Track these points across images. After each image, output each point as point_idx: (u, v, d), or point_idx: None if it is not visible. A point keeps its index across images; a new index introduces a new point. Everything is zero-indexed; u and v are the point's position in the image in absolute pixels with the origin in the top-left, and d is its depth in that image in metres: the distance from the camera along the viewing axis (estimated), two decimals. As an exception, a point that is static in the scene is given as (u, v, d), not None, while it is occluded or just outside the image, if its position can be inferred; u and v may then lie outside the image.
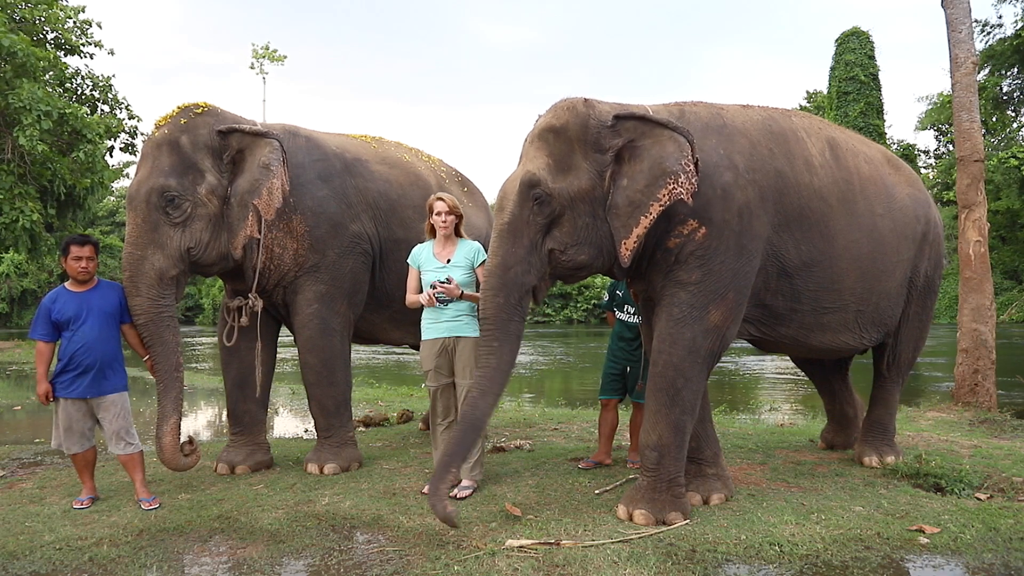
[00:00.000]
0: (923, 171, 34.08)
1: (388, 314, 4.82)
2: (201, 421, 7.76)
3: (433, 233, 3.98)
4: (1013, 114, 29.20)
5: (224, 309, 4.33)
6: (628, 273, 3.56)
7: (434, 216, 3.91)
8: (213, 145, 3.99)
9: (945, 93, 29.04)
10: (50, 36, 15.71)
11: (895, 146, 33.41)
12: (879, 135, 28.94)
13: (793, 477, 4.13)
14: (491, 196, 3.81)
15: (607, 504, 3.56)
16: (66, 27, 15.75)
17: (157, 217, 3.81)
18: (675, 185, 3.16)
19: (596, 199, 3.29)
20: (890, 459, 4.35)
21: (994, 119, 28.62)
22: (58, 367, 3.66)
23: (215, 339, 5.95)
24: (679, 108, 3.59)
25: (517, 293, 3.25)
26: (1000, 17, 31.60)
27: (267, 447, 4.55)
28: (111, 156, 16.38)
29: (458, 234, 3.99)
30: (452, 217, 3.92)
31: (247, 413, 4.45)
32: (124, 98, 16.47)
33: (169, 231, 3.84)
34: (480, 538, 3.10)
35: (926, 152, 36.59)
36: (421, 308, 3.93)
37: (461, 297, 3.80)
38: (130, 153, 16.67)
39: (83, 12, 16.08)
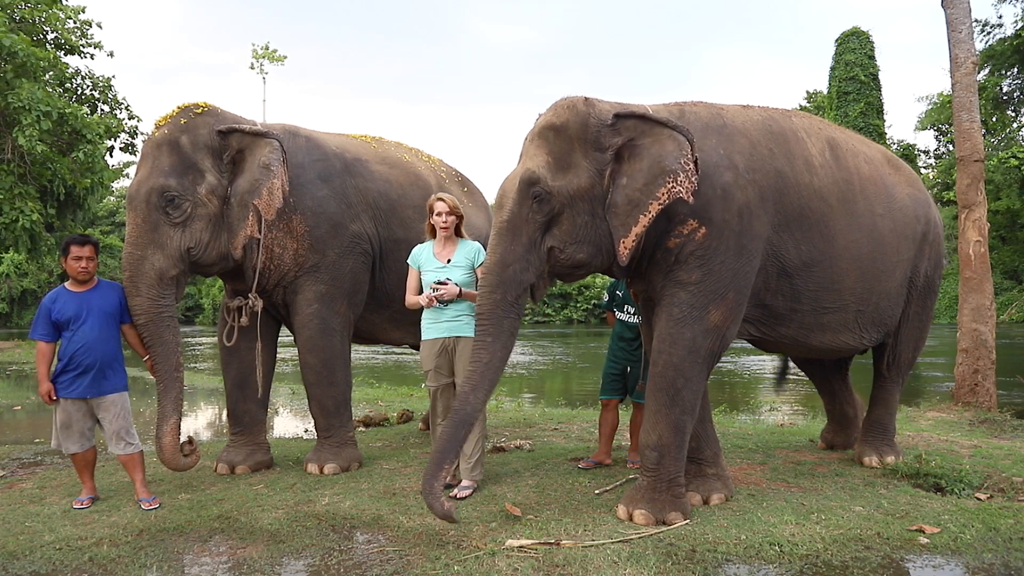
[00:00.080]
0: (923, 171, 34.07)
1: (388, 314, 4.82)
2: (201, 421, 7.76)
3: (433, 233, 3.98)
4: (1013, 114, 29.20)
5: (224, 309, 4.33)
6: (627, 272, 3.56)
7: (434, 216, 3.91)
8: (213, 145, 3.99)
9: (945, 93, 29.05)
10: (50, 36, 15.71)
11: (895, 146, 33.40)
12: (879, 135, 28.94)
13: (793, 477, 4.13)
14: (491, 196, 3.81)
15: (607, 504, 3.56)
16: (67, 28, 15.74)
17: (157, 217, 3.81)
18: (674, 184, 3.16)
19: (596, 197, 3.29)
20: (890, 459, 4.35)
21: (994, 119, 28.62)
22: (58, 367, 3.66)
23: (215, 339, 5.95)
24: (679, 108, 3.59)
25: (514, 291, 3.26)
26: (1000, 17, 31.62)
27: (267, 447, 4.55)
28: (111, 156, 16.39)
29: (459, 234, 3.99)
30: (452, 217, 3.92)
31: (247, 413, 4.45)
32: (124, 98, 16.49)
33: (169, 231, 3.83)
34: (480, 538, 3.10)
35: (926, 152, 36.60)
36: (421, 308, 3.93)
37: (460, 295, 3.80)
38: (130, 153, 16.68)
39: (83, 12, 16.08)
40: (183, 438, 3.83)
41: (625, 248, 3.24)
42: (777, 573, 2.82)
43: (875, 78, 29.82)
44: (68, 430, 3.69)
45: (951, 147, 32.10)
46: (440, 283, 3.82)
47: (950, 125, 27.20)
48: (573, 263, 3.34)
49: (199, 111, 4.04)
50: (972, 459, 4.54)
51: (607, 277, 4.30)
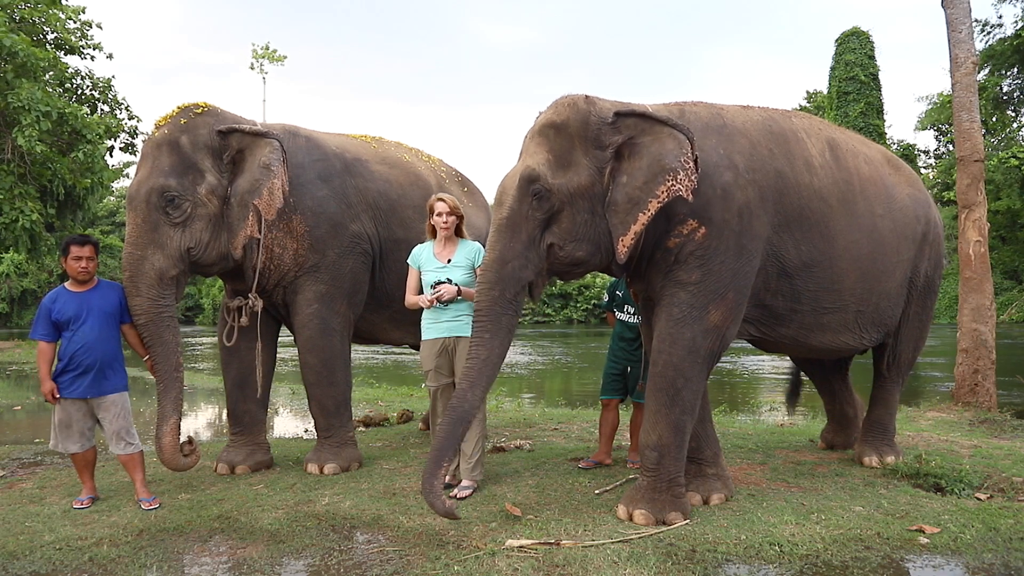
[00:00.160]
0: (923, 171, 34.06)
1: (388, 314, 4.82)
2: (201, 421, 7.76)
3: (434, 233, 3.98)
4: (1013, 114, 29.20)
5: (224, 309, 4.33)
6: (626, 271, 3.56)
7: (435, 217, 3.91)
8: (213, 145, 3.99)
9: (945, 93, 29.04)
10: (50, 37, 15.71)
11: (895, 146, 33.39)
12: (879, 135, 28.93)
13: (793, 477, 4.13)
14: (491, 196, 3.81)
15: (607, 504, 3.56)
16: (67, 28, 15.74)
17: (157, 217, 3.81)
18: (674, 182, 3.16)
19: (595, 195, 3.29)
20: (890, 459, 4.35)
21: (994, 119, 28.62)
22: (58, 367, 3.66)
23: (215, 339, 5.95)
24: (679, 108, 3.59)
25: (513, 288, 3.25)
26: (1000, 17, 31.63)
27: (267, 447, 4.55)
28: (111, 156, 16.40)
29: (459, 234, 3.99)
30: (453, 218, 3.92)
31: (247, 413, 4.45)
32: (124, 98, 16.49)
33: (169, 231, 3.83)
34: (480, 538, 3.10)
35: (926, 152, 36.60)
36: (421, 308, 3.92)
37: (459, 295, 3.80)
38: (130, 153, 16.68)
39: (83, 13, 16.08)
40: (183, 438, 3.83)
41: (624, 246, 3.24)
42: (777, 573, 2.82)
43: (875, 78, 29.81)
44: (68, 430, 3.69)
45: (951, 147, 32.10)
46: (439, 283, 3.83)
47: (950, 125, 27.20)
48: (572, 261, 3.34)
49: (199, 111, 4.04)
50: (972, 459, 4.54)
51: (607, 277, 4.30)
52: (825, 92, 32.98)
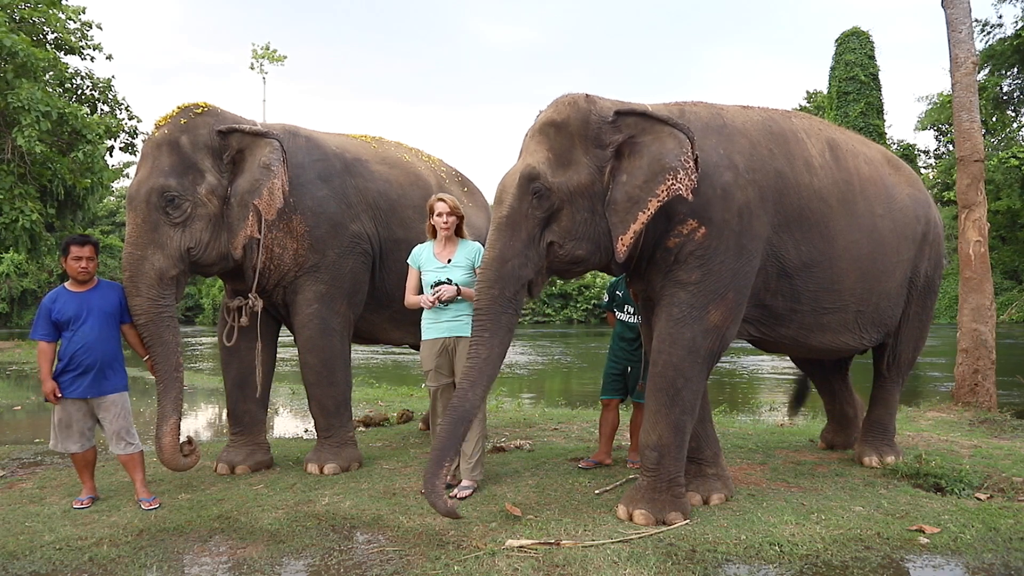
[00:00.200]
0: (923, 171, 34.05)
1: (388, 314, 4.82)
2: (201, 421, 7.76)
3: (434, 234, 3.98)
4: (1013, 114, 29.19)
5: (224, 309, 4.33)
6: (625, 270, 3.56)
7: (435, 217, 3.91)
8: (213, 145, 3.99)
9: (945, 93, 29.03)
10: (50, 37, 15.71)
11: (895, 146, 33.38)
12: (879, 135, 28.93)
13: (793, 477, 4.13)
14: (491, 196, 3.81)
15: (607, 504, 3.56)
16: (67, 29, 15.74)
17: (157, 217, 3.81)
18: (674, 181, 3.16)
19: (595, 194, 3.29)
20: (890, 459, 4.35)
21: (994, 119, 28.60)
22: (58, 367, 3.66)
23: (215, 339, 5.95)
24: (679, 108, 3.59)
25: (513, 286, 3.25)
26: (1000, 17, 31.59)
27: (267, 447, 4.55)
28: (111, 156, 16.40)
29: (459, 234, 3.99)
30: (453, 218, 3.92)
31: (247, 413, 4.45)
32: (124, 98, 16.50)
33: (169, 231, 3.83)
34: (480, 538, 3.10)
35: (926, 152, 36.58)
36: (421, 308, 3.92)
37: (459, 295, 3.80)
38: (130, 153, 16.68)
39: (83, 13, 16.08)
40: (183, 438, 3.83)
41: (623, 245, 3.24)
42: (777, 573, 2.82)
43: (875, 78, 29.81)
44: (68, 430, 3.69)
45: (951, 147, 32.10)
46: (439, 283, 3.83)
47: (950, 125, 27.19)
48: (572, 259, 3.34)
49: (199, 111, 4.04)
50: (972, 459, 4.54)
51: (607, 277, 4.30)
52: (825, 92, 32.97)
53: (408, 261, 4.04)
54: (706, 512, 3.44)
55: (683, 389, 3.33)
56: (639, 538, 3.07)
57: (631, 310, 4.47)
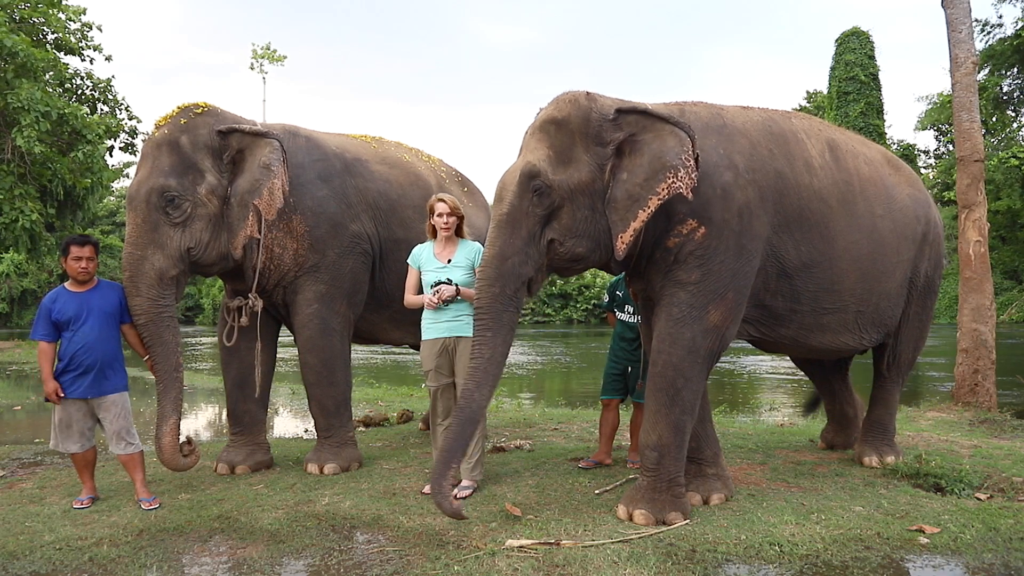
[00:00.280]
0: (923, 171, 34.05)
1: (388, 314, 4.82)
2: (201, 421, 7.76)
3: (434, 234, 3.98)
4: (1013, 114, 29.19)
5: (224, 309, 4.33)
6: (624, 268, 3.56)
7: (435, 217, 3.91)
8: (213, 145, 3.99)
9: (945, 93, 29.02)
10: (50, 37, 15.72)
11: (895, 146, 33.38)
12: (879, 135, 28.93)
13: (793, 477, 4.13)
14: (491, 196, 3.82)
15: (607, 504, 3.56)
16: (68, 29, 15.74)
17: (157, 217, 3.81)
18: (675, 179, 3.16)
19: (596, 192, 3.29)
20: (890, 459, 4.35)
21: (994, 119, 28.60)
22: (59, 367, 3.66)
23: (215, 339, 5.95)
24: (679, 108, 3.59)
25: (513, 284, 3.25)
26: (1000, 17, 31.56)
27: (267, 447, 4.55)
28: (111, 156, 16.41)
29: (459, 234, 3.99)
30: (453, 218, 3.92)
31: (247, 413, 4.45)
32: (124, 98, 16.51)
33: (169, 231, 3.83)
34: (480, 538, 3.10)
35: (926, 152, 36.58)
36: (421, 308, 3.93)
37: (458, 294, 3.80)
38: (130, 153, 16.69)
39: (84, 14, 16.08)
40: (182, 438, 3.83)
41: (623, 243, 3.24)
42: (777, 573, 2.82)
43: (875, 78, 29.81)
44: (68, 430, 3.69)
45: (951, 147, 32.09)
46: (439, 283, 3.83)
47: (950, 125, 27.18)
48: (572, 257, 3.34)
49: (199, 111, 4.04)
50: (972, 459, 4.54)
51: (607, 277, 4.30)
52: (825, 92, 32.98)
53: (408, 261, 4.03)
54: (706, 512, 3.44)
55: (683, 389, 3.33)
56: (639, 538, 3.07)
57: (631, 310, 4.47)
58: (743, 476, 4.13)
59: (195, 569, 2.91)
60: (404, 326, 4.92)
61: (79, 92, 16.04)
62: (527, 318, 35.02)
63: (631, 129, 3.30)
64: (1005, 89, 27.34)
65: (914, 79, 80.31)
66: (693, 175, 3.19)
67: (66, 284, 3.78)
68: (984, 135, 17.21)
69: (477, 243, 4.00)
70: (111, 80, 16.28)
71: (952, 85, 8.04)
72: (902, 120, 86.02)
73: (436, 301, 3.79)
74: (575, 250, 3.31)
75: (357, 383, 9.38)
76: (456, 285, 3.83)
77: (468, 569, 2.78)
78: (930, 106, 32.43)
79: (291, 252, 4.24)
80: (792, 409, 8.34)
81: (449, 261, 3.90)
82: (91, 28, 16.26)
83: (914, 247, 4.21)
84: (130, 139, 16.54)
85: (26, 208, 14.24)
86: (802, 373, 5.39)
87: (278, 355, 4.82)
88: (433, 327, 3.89)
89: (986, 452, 4.83)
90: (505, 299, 3.24)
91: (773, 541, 3.06)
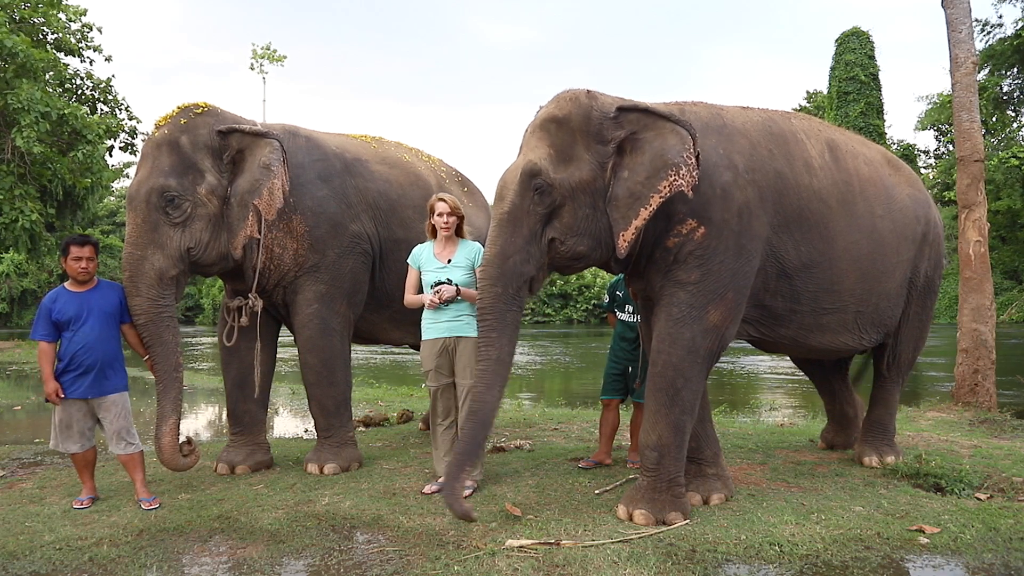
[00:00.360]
0: (923, 171, 34.05)
1: (388, 314, 4.82)
2: (201, 421, 7.76)
3: (434, 233, 3.98)
4: (1013, 114, 29.19)
5: (224, 309, 4.33)
6: (625, 267, 3.56)
7: (435, 217, 3.91)
8: (213, 145, 3.99)
9: (945, 93, 29.02)
10: (50, 37, 15.71)
11: (895, 146, 33.38)
12: (879, 135, 28.92)
13: (793, 477, 4.13)
14: (491, 196, 3.82)
15: (607, 504, 3.56)
16: (68, 30, 15.74)
17: (157, 217, 3.81)
18: (676, 177, 3.16)
19: (597, 190, 3.29)
20: (890, 459, 4.35)
21: (994, 119, 28.59)
22: (59, 367, 3.66)
23: (215, 339, 5.95)
24: (679, 108, 3.58)
25: (515, 283, 3.25)
26: (1000, 17, 31.60)
27: (267, 447, 4.55)
28: (111, 156, 16.41)
29: (459, 234, 3.99)
30: (453, 218, 3.92)
31: (247, 413, 4.44)
32: (124, 98, 16.51)
33: (169, 231, 3.83)
34: (480, 538, 3.10)
35: (926, 152, 36.58)
36: (421, 308, 3.93)
37: (458, 294, 3.80)
38: (130, 153, 16.69)
39: (84, 15, 16.08)
40: (182, 438, 3.83)
41: (624, 241, 3.24)
42: (777, 573, 2.82)
43: (875, 78, 29.80)
44: (68, 430, 3.69)
45: (951, 147, 32.09)
46: (439, 283, 3.83)
47: (950, 125, 27.18)
48: (573, 255, 3.34)
49: (199, 111, 4.03)
50: (972, 459, 4.54)
51: (607, 277, 4.30)
52: (825, 92, 32.97)
53: (408, 261, 4.03)
54: (706, 512, 3.44)
55: (683, 389, 3.33)
56: (639, 538, 3.07)
57: (631, 310, 4.47)
58: (743, 476, 4.13)
59: (195, 569, 2.91)
60: (404, 326, 4.92)
61: (79, 92, 16.04)
62: (527, 318, 35.00)
63: (632, 127, 3.30)
64: (1005, 89, 27.34)
65: (914, 79, 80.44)
66: (695, 173, 3.19)
67: (66, 284, 3.78)
68: (984, 135, 17.20)
69: (477, 243, 4.00)
70: (111, 80, 16.28)
71: (952, 85, 8.03)
72: (902, 120, 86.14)
73: (436, 301, 3.78)
74: (576, 248, 3.31)
75: (357, 383, 9.38)
76: (456, 285, 3.83)
77: (468, 569, 2.78)
78: (930, 106, 32.44)
79: (291, 252, 4.24)
80: (792, 409, 8.34)
81: (449, 261, 3.89)
82: (91, 29, 16.26)
83: (914, 247, 4.21)
84: (130, 139, 16.55)
85: (26, 208, 14.25)
86: (802, 373, 5.38)
87: (278, 355, 4.82)
88: (433, 327, 3.89)
89: (986, 452, 4.83)
90: (508, 299, 3.24)
91: (773, 541, 3.06)
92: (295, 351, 4.55)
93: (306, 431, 6.44)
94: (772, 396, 9.76)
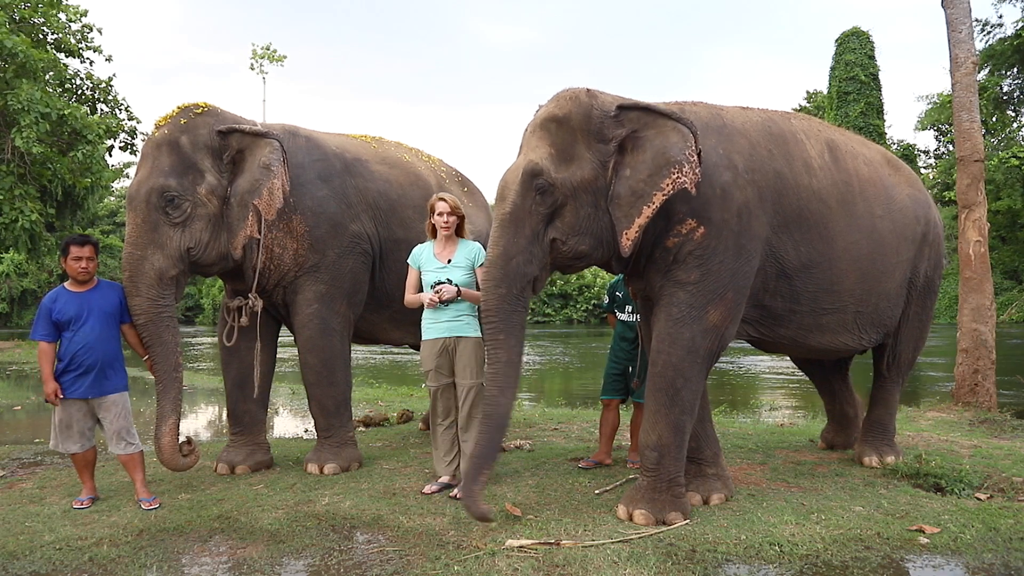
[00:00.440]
0: (923, 171, 34.04)
1: (388, 314, 4.82)
2: (201, 421, 7.76)
3: (434, 233, 3.98)
4: (1013, 114, 29.19)
5: (224, 309, 4.33)
6: (626, 266, 3.55)
7: (435, 216, 3.91)
8: (213, 145, 3.99)
9: (945, 93, 29.02)
10: (50, 38, 15.71)
11: (895, 146, 33.37)
12: (879, 135, 28.92)
13: (793, 477, 4.13)
14: (491, 196, 3.81)
15: (607, 504, 3.56)
16: (68, 31, 15.74)
17: (157, 217, 3.81)
18: (679, 175, 3.16)
19: (598, 189, 3.29)
20: (890, 459, 4.35)
21: (994, 119, 28.59)
22: (59, 367, 3.66)
23: (215, 339, 5.95)
24: (679, 107, 3.58)
25: (519, 284, 3.25)
26: (1000, 17, 31.57)
27: (267, 447, 4.55)
28: (111, 156, 16.41)
29: (460, 234, 3.99)
30: (454, 218, 3.91)
31: (247, 413, 4.45)
32: (124, 98, 16.51)
33: (169, 231, 3.83)
34: (480, 538, 3.10)
35: (926, 152, 36.57)
36: (421, 308, 3.92)
37: (459, 295, 3.80)
38: (130, 153, 16.69)
39: (85, 16, 16.08)
40: (182, 438, 3.83)
41: (628, 239, 3.23)
42: (777, 573, 2.82)
43: (875, 78, 29.81)
44: (68, 430, 3.69)
45: (951, 147, 32.08)
46: (439, 283, 3.83)
47: (950, 125, 27.18)
48: (575, 255, 3.34)
49: (199, 111, 4.04)
50: (972, 459, 4.54)
51: (607, 277, 4.30)
52: (825, 92, 32.97)
53: (408, 261, 4.03)
54: (706, 512, 3.44)
55: (682, 389, 3.33)
56: (639, 538, 3.07)
57: (631, 310, 4.47)
58: (743, 476, 4.13)
59: (195, 569, 2.91)
60: (404, 326, 4.92)
61: (79, 92, 16.04)
62: (527, 318, 34.99)
63: (633, 125, 3.30)
64: (1005, 89, 27.35)
65: (914, 79, 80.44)
66: (697, 170, 3.19)
67: (66, 284, 3.78)
68: (984, 135, 17.19)
69: (477, 243, 4.00)
70: (111, 80, 16.28)
71: (952, 85, 8.03)
72: (902, 120, 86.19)
73: (436, 300, 3.78)
74: (578, 248, 3.31)
75: (357, 383, 9.38)
76: (457, 286, 3.82)
77: (468, 569, 2.78)
78: (930, 106, 32.44)
79: (291, 252, 4.24)
80: (792, 409, 8.34)
81: (449, 261, 3.89)
82: (91, 30, 16.26)
83: (914, 247, 4.21)
84: (130, 139, 16.54)
85: (26, 208, 14.25)
86: (802, 373, 5.38)
87: (278, 355, 4.82)
88: (433, 327, 3.89)
89: (986, 452, 4.83)
90: (512, 299, 3.24)
91: (773, 541, 3.06)
92: (295, 351, 4.55)
93: (306, 431, 6.44)
94: (772, 396, 9.76)
